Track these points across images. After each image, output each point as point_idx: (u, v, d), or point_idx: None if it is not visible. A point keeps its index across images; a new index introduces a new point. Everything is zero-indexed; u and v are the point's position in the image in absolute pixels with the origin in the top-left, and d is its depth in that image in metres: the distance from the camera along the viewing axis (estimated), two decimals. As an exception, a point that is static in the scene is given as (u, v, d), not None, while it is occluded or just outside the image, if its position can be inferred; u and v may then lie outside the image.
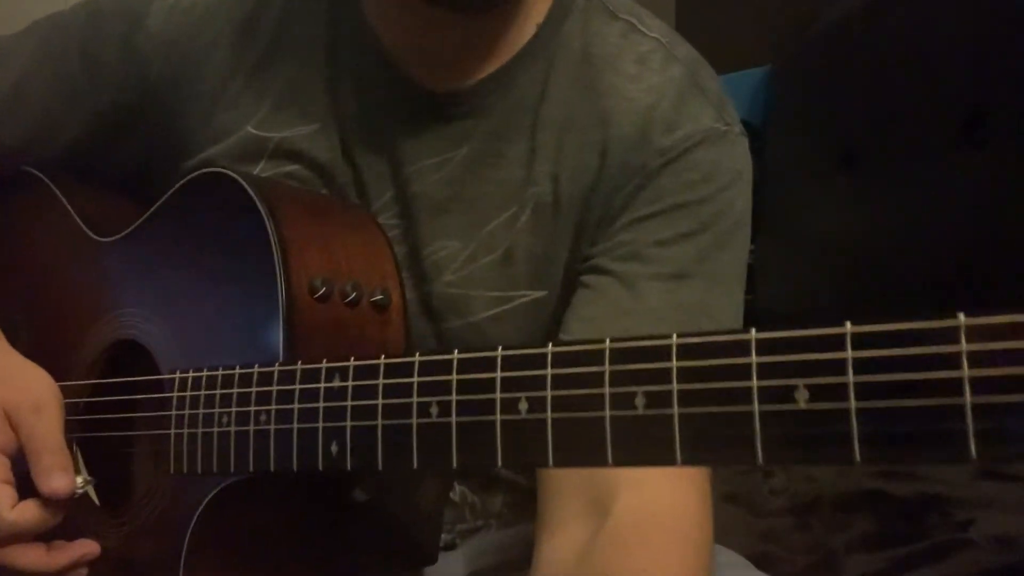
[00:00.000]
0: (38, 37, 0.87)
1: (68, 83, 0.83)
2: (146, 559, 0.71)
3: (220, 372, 0.65)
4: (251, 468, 0.62)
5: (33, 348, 0.79)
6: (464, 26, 0.73)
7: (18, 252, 0.87)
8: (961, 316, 0.36)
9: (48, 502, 0.68)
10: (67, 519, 0.73)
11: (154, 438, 0.71)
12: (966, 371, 0.35)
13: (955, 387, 0.36)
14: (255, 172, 0.77)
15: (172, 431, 0.67)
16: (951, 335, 0.36)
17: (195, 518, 0.66)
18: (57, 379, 0.75)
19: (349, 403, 0.57)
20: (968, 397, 0.35)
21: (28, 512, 0.67)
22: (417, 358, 0.54)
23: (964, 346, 0.36)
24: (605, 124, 0.74)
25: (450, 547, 0.80)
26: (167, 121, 0.81)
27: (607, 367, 0.46)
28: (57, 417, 0.71)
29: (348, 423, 0.57)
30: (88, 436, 0.79)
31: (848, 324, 0.39)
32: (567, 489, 0.67)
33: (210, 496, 0.66)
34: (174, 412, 0.68)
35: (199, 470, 0.66)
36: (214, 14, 0.80)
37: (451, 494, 0.79)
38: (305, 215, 0.71)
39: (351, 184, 0.77)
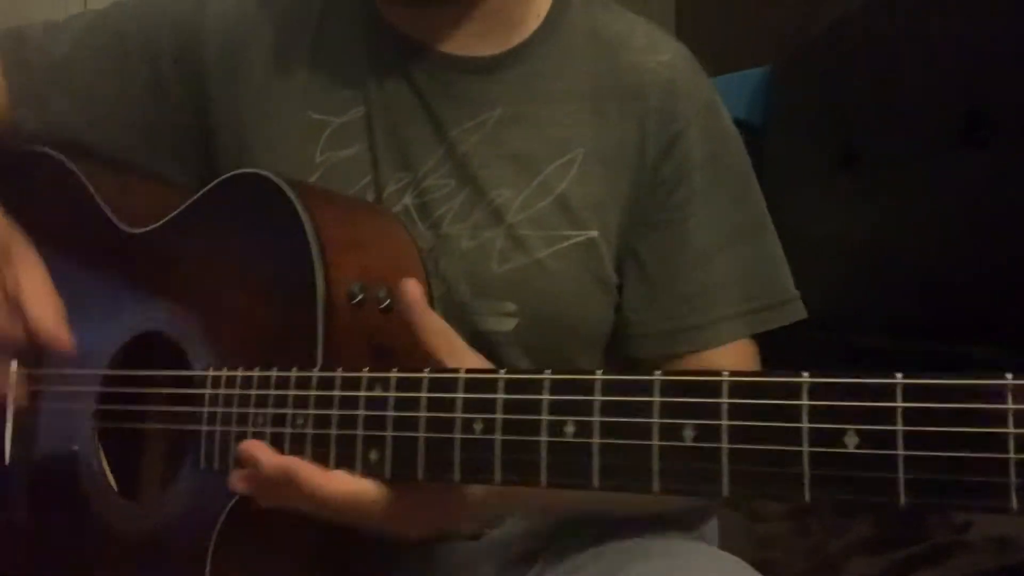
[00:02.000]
0: (94, 13, 0.93)
1: (122, 60, 0.89)
2: (172, 551, 0.71)
3: (256, 373, 0.66)
4: None
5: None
6: (471, 16, 0.84)
7: (38, 236, 0.86)
8: (1009, 376, 0.38)
9: None
10: (86, 502, 0.76)
11: (181, 432, 0.72)
12: (1012, 428, 0.37)
13: (1000, 443, 0.37)
14: (315, 155, 0.83)
15: (204, 427, 0.69)
16: (997, 393, 0.38)
17: (225, 513, 0.66)
18: (76, 366, 0.79)
19: (391, 413, 0.58)
20: (1012, 453, 0.37)
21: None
22: (463, 375, 0.56)
23: (1011, 405, 0.37)
24: (637, 97, 0.84)
25: (475, 537, 0.80)
26: (221, 102, 0.87)
27: (657, 397, 0.47)
28: (28, 253, 0.79)
29: (389, 432, 0.58)
30: (117, 427, 0.79)
31: (899, 375, 0.41)
32: None
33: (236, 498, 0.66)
34: (206, 409, 0.69)
35: (231, 467, 0.66)
36: (263, 4, 0.89)
37: None
38: (340, 220, 0.73)
39: (395, 157, 0.83)
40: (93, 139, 0.91)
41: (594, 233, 0.82)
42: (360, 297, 0.67)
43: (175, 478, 0.73)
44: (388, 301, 0.68)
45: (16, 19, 0.96)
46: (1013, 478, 0.37)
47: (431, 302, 0.72)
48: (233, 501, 0.66)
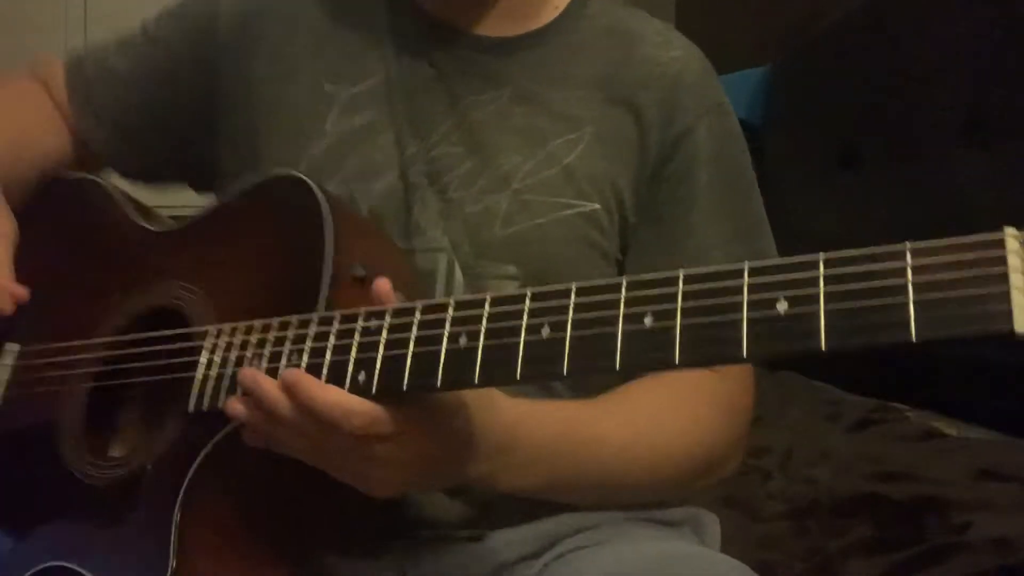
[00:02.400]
0: (142, 22, 0.99)
1: (152, 50, 0.95)
2: (143, 496, 0.72)
3: (257, 321, 0.70)
4: None
5: (63, 311, 0.84)
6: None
7: (66, 235, 0.93)
8: (907, 243, 0.49)
9: None
10: (53, 456, 0.79)
11: (172, 385, 0.74)
12: (910, 278, 0.48)
13: (900, 290, 0.48)
14: (328, 124, 0.86)
15: (199, 373, 0.71)
16: (899, 254, 0.48)
17: (202, 454, 0.68)
18: (80, 338, 0.82)
19: (384, 337, 0.63)
20: (911, 296, 0.47)
21: None
22: (453, 299, 0.62)
23: (910, 260, 0.48)
24: (643, 87, 0.87)
25: (477, 539, 0.80)
26: (235, 83, 0.90)
27: (623, 294, 0.55)
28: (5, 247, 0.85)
29: (380, 353, 0.63)
30: (104, 384, 0.81)
31: (821, 253, 0.50)
32: None
33: (224, 431, 0.68)
34: (203, 357, 0.71)
35: (220, 405, 0.68)
36: None
37: None
38: (355, 220, 0.79)
39: (408, 125, 0.86)
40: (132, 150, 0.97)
41: (596, 206, 0.84)
42: (363, 275, 0.70)
43: (155, 429, 0.75)
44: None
45: (16, 19, 0.98)
46: (912, 314, 0.47)
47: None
48: (214, 441, 0.68)
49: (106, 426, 0.82)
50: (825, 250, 0.51)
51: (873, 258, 0.49)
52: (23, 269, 0.87)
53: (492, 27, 0.88)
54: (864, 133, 1.95)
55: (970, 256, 0.47)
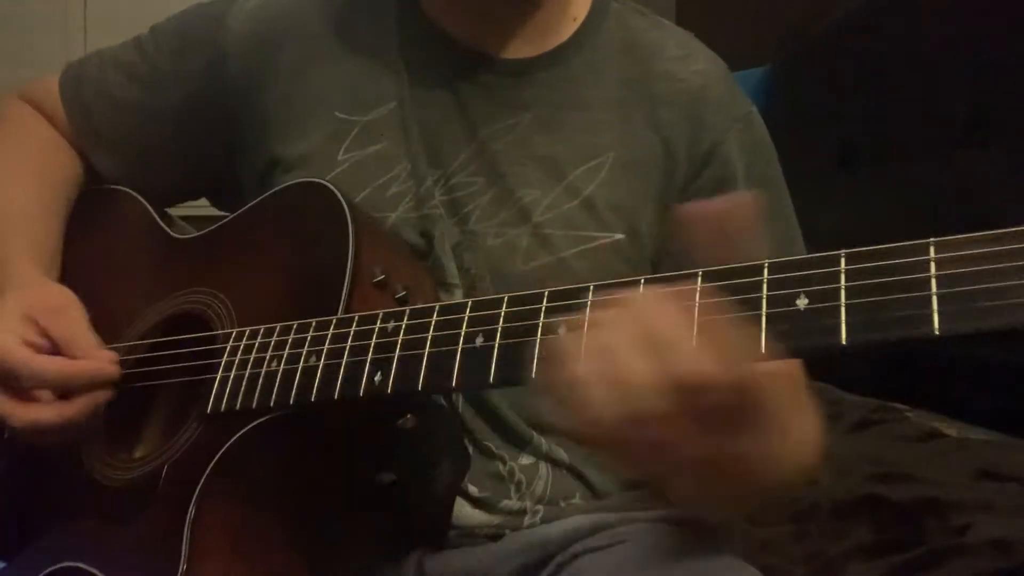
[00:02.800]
0: (137, 40, 0.96)
1: (159, 81, 0.92)
2: (159, 498, 0.73)
3: (278, 325, 0.71)
4: (291, 401, 0.67)
5: (92, 316, 0.83)
6: (512, 13, 0.84)
7: (98, 242, 0.93)
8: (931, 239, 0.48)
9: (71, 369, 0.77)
10: (73, 457, 0.79)
11: (193, 387, 0.75)
12: (933, 272, 0.47)
13: (922, 284, 0.47)
14: (340, 153, 0.84)
15: (219, 375, 0.72)
16: (922, 249, 0.48)
17: (222, 451, 0.69)
18: (109, 341, 0.81)
19: (401, 338, 0.64)
20: (935, 289, 0.47)
21: (51, 363, 0.76)
22: (470, 300, 0.63)
23: (933, 255, 0.48)
24: (665, 104, 0.84)
25: (496, 538, 0.80)
26: (246, 109, 0.88)
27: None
28: (80, 316, 0.80)
29: (396, 353, 0.63)
30: (131, 387, 0.81)
31: (843, 250, 0.50)
32: None
33: (241, 432, 0.68)
34: (224, 359, 0.72)
35: (238, 406, 0.69)
36: (287, 11, 0.90)
37: (500, 467, 0.81)
38: (376, 228, 0.79)
39: (425, 153, 0.84)
40: (147, 177, 0.95)
41: (620, 236, 0.82)
42: (381, 278, 0.71)
43: (175, 431, 0.75)
44: (404, 294, 0.72)
45: (16, 19, 0.98)
46: (936, 307, 0.46)
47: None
48: (231, 442, 0.68)
49: (130, 429, 0.83)
50: (825, 250, 0.51)
51: (895, 253, 0.49)
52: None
53: (514, 49, 0.85)
54: (864, 133, 1.95)
55: (994, 249, 0.47)
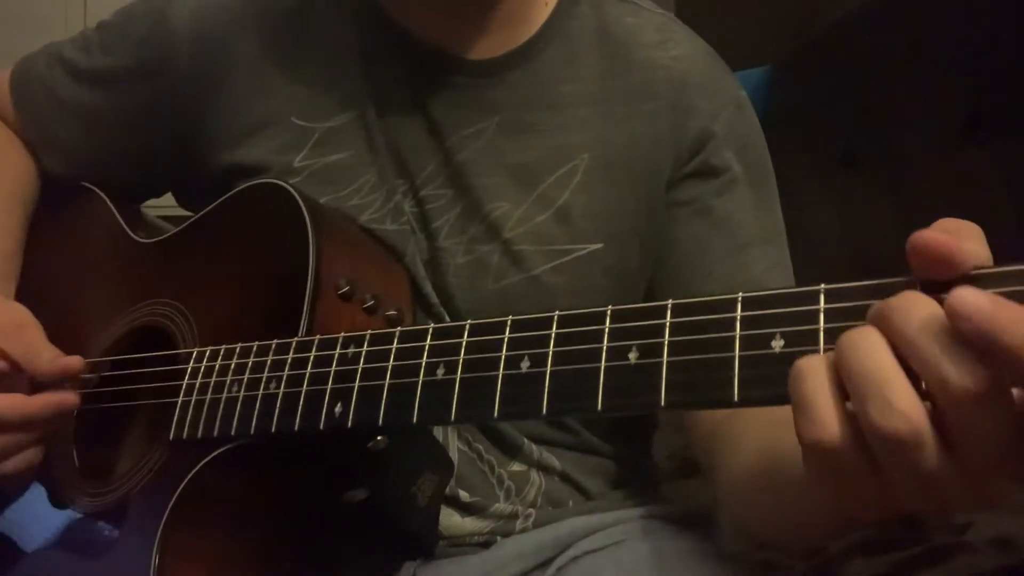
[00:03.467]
0: (84, 36, 0.92)
1: (103, 83, 0.88)
2: (127, 522, 0.71)
3: (238, 346, 0.68)
4: (252, 431, 0.64)
5: (54, 328, 0.81)
6: (477, 8, 0.79)
7: (59, 243, 0.91)
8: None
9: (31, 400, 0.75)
10: (53, 484, 0.76)
11: (158, 410, 0.73)
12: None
13: None
14: (297, 160, 0.80)
15: (180, 399, 0.69)
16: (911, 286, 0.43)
17: (185, 482, 0.66)
18: (73, 353, 0.78)
19: (360, 366, 0.60)
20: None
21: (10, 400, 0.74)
22: (431, 326, 0.59)
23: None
24: (648, 96, 0.79)
25: (487, 545, 0.79)
26: (199, 112, 0.83)
27: (607, 325, 0.50)
28: (40, 334, 0.79)
29: (356, 384, 0.60)
30: (93, 407, 0.80)
31: (822, 284, 0.44)
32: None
33: (205, 461, 0.66)
34: (185, 382, 0.70)
35: (199, 435, 0.67)
36: (234, 7, 0.84)
37: (490, 475, 0.80)
38: (341, 230, 0.75)
39: (391, 163, 0.79)
40: (99, 176, 0.92)
41: (597, 246, 0.78)
42: (346, 289, 0.68)
43: (142, 457, 0.74)
44: (373, 303, 0.69)
45: (16, 19, 0.98)
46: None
47: (411, 315, 0.73)
48: (196, 471, 0.66)
49: (102, 451, 0.81)
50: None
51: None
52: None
53: (482, 47, 0.80)
54: (864, 133, 1.95)
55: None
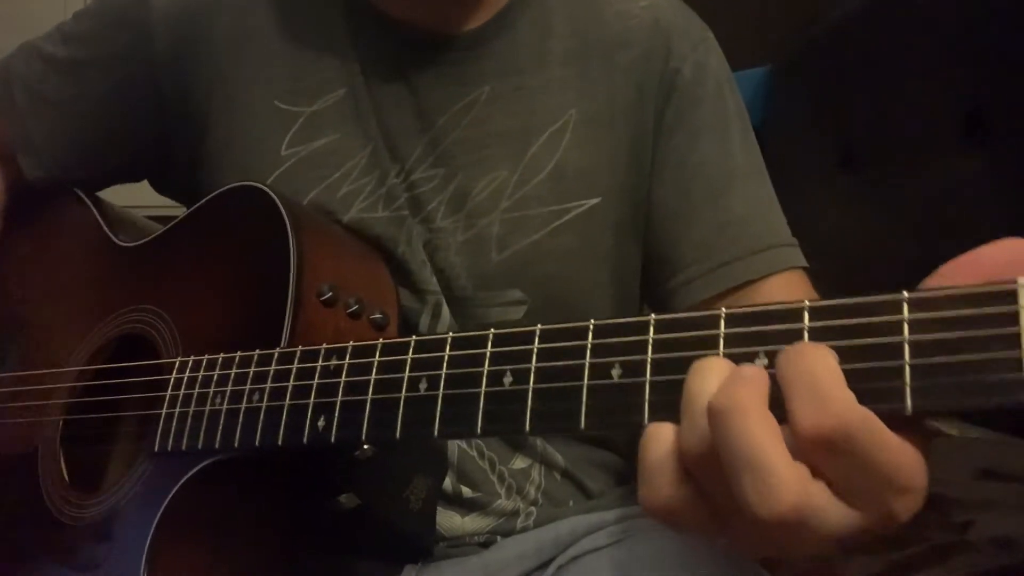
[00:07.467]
0: (59, 28, 0.91)
1: (81, 69, 0.87)
2: (116, 534, 0.71)
3: (220, 356, 0.67)
4: (236, 444, 0.63)
5: (35, 335, 0.81)
6: None
7: (40, 250, 0.90)
8: (904, 292, 0.41)
9: None
10: (35, 492, 0.75)
11: (143, 420, 0.72)
12: (907, 335, 0.40)
13: (896, 350, 0.40)
14: (283, 145, 0.79)
15: (164, 410, 0.68)
16: (894, 305, 0.41)
17: (171, 495, 0.66)
18: (56, 366, 0.78)
19: (343, 379, 0.59)
20: (908, 359, 0.40)
21: None
22: (413, 338, 0.58)
23: (907, 315, 0.41)
24: (623, 46, 0.81)
25: (487, 545, 0.79)
26: (179, 91, 0.82)
27: (590, 341, 0.49)
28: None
29: (339, 398, 0.59)
30: (77, 418, 0.79)
31: (806, 300, 0.43)
32: None
33: (190, 474, 0.66)
34: (168, 392, 0.68)
35: (184, 447, 0.66)
36: None
37: (490, 473, 0.79)
38: (323, 233, 0.74)
39: (381, 147, 0.78)
40: (81, 172, 0.91)
41: (595, 200, 0.79)
42: (329, 295, 0.68)
43: (129, 467, 0.73)
44: (357, 307, 0.69)
45: (17, 19, 0.97)
46: (908, 381, 0.39)
47: (396, 330, 0.72)
48: (181, 483, 0.66)
49: (90, 462, 0.80)
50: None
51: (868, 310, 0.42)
52: None
53: (462, 19, 0.80)
54: (864, 133, 1.94)
55: (973, 312, 0.39)
